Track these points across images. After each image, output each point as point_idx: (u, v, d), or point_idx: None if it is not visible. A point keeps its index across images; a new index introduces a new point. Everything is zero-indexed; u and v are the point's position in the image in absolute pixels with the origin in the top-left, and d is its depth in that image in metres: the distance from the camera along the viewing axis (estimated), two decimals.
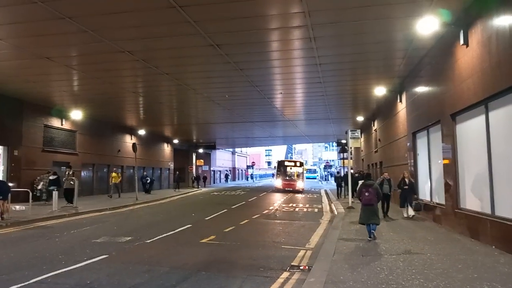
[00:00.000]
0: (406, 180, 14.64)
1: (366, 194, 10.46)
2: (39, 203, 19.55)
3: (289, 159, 48.03)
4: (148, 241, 10.91)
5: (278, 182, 36.94)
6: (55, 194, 17.25)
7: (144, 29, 11.37)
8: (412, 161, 16.55)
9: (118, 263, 8.32)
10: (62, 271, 7.53)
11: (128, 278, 7.16)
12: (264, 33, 11.76)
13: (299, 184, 35.70)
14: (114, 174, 26.65)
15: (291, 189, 34.61)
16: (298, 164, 38.97)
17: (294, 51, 13.68)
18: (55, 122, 24.19)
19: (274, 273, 7.56)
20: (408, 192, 14.56)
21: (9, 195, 14.29)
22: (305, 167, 47.42)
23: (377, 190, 10.61)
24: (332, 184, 45.61)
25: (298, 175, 37.02)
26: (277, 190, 35.43)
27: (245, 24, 11.15)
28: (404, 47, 13.12)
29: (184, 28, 11.08)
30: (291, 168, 37.89)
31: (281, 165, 38.88)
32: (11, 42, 12.34)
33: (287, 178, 36.63)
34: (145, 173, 33.92)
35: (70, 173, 20.45)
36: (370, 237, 10.37)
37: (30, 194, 15.75)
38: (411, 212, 14.53)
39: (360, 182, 13.75)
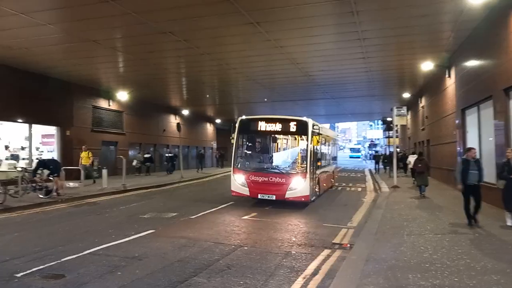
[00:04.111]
0: None
1: (419, 165, 15.27)
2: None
3: (267, 116, 14.14)
4: (192, 217, 11.25)
5: (239, 179, 13.58)
6: (104, 172, 18.03)
7: (185, 9, 11.45)
8: (461, 139, 15.87)
9: (164, 237, 8.66)
10: (112, 244, 7.95)
11: (174, 252, 7.44)
12: (304, 9, 11.49)
13: (297, 184, 12.96)
14: (83, 154, 19.83)
15: (274, 196, 12.99)
16: (292, 127, 13.62)
17: (336, 26, 13.29)
18: (103, 103, 25.12)
19: (315, 250, 7.61)
20: None
21: (63, 173, 15.14)
22: (325, 134, 17.01)
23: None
24: None
25: (294, 163, 14.55)
26: (235, 200, 14.22)
27: (285, 0, 10.96)
28: (453, 19, 12.42)
29: (223, 6, 11.05)
30: (273, 139, 14.80)
31: (245, 131, 14.32)
32: (60, 26, 12.84)
33: (264, 169, 13.94)
34: (166, 150, 32.06)
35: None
36: (421, 194, 14.88)
37: (82, 172, 16.54)
38: (510, 220, 9.07)
39: (413, 158, 19.24)
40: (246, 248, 7.77)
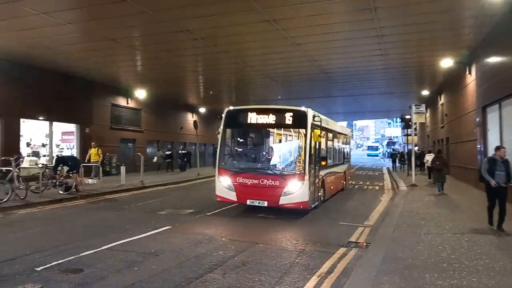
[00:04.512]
0: None
1: (437, 162, 15.52)
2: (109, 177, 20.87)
3: (258, 107, 12.05)
4: (209, 213, 11.32)
5: (224, 182, 11.40)
6: (123, 169, 18.29)
7: (202, 8, 11.48)
8: (482, 137, 15.54)
9: (181, 234, 8.74)
10: (130, 240, 8.06)
11: (190, 248, 7.50)
12: (321, 6, 11.40)
13: (293, 187, 10.73)
14: (93, 151, 18.03)
15: (265, 202, 10.87)
16: (288, 118, 11.36)
17: (354, 23, 13.12)
18: (122, 101, 25.46)
19: (330, 248, 7.55)
20: None
21: (82, 169, 15.41)
22: (332, 128, 15.19)
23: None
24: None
25: (291, 162, 11.79)
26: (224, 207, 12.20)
27: None
28: (474, 14, 12.16)
29: (240, 4, 11.08)
30: (265, 134, 12.50)
31: (233, 124, 12.15)
32: (79, 25, 13.07)
33: (254, 170, 11.59)
34: (180, 147, 31.10)
35: None
36: (439, 191, 15.01)
37: (101, 169, 16.79)
38: None
39: (429, 156, 20.83)
40: (261, 245, 7.78)
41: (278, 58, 17.72)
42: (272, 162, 11.87)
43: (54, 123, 20.58)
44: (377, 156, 76.95)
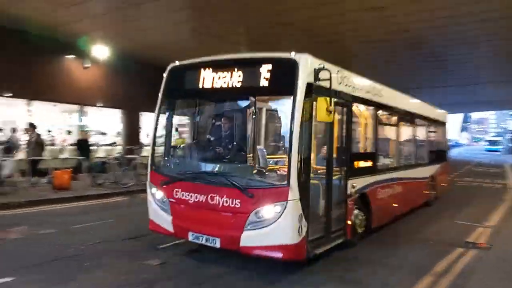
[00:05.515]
0: None
1: None
2: None
3: (217, 58, 6.25)
4: None
5: (157, 195, 6.40)
6: None
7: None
8: None
9: None
10: None
11: None
12: None
13: (266, 214, 5.28)
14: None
15: (217, 240, 5.57)
16: (264, 76, 5.61)
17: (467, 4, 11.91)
18: None
19: (445, 248, 7.03)
20: None
21: None
22: (378, 100, 7.90)
23: None
24: None
25: (278, 165, 7.16)
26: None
27: None
28: None
29: None
30: (227, 106, 7.23)
31: (177, 92, 7.40)
32: (186, 25, 14.06)
33: (203, 175, 6.10)
34: None
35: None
36: None
37: None
38: None
39: None
40: (373, 240, 7.52)
41: (382, 46, 16.90)
42: (234, 162, 6.57)
43: None
44: (498, 151, 69.39)
